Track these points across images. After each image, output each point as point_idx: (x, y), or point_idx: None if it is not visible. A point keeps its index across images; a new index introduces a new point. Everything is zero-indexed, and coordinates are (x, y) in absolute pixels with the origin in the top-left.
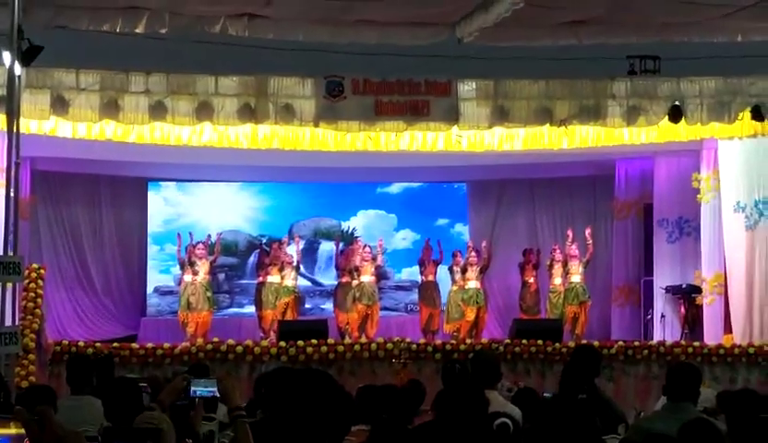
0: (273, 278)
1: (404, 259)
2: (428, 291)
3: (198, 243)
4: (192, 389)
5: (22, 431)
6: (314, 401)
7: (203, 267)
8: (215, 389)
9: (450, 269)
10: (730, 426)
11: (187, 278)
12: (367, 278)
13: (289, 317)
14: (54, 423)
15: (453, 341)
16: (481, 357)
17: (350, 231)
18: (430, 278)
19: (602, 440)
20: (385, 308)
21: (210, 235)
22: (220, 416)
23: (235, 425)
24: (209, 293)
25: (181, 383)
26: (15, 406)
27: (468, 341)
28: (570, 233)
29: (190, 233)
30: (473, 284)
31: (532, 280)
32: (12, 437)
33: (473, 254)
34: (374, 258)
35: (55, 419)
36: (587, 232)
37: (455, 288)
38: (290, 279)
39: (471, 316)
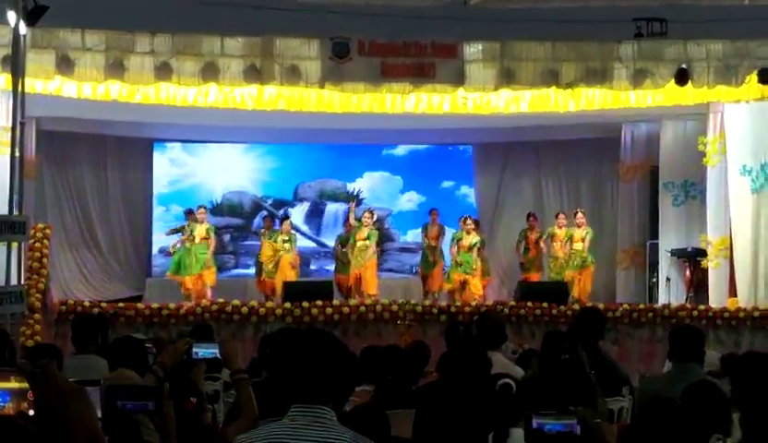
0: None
1: (410, 221)
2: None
3: (200, 207)
4: (194, 350)
5: (24, 385)
6: (317, 361)
7: (201, 232)
8: (217, 351)
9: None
10: (734, 389)
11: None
12: (362, 242)
13: (287, 277)
14: (56, 376)
15: (458, 304)
16: (485, 319)
17: (355, 192)
18: (433, 242)
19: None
20: (390, 270)
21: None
22: (225, 377)
23: (238, 387)
24: (203, 257)
25: (183, 346)
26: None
27: (473, 302)
28: (579, 214)
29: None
30: (465, 251)
31: (532, 245)
32: (13, 392)
33: (469, 222)
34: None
35: (58, 373)
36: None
37: (453, 251)
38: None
39: (456, 280)
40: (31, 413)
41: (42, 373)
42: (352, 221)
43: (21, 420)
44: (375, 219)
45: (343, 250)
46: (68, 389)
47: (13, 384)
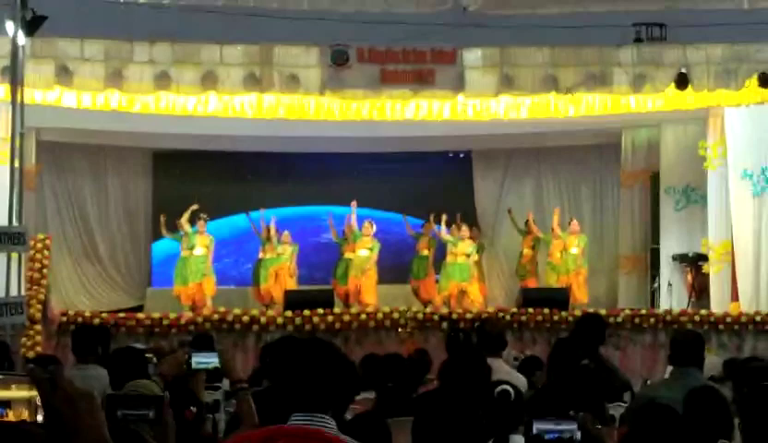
0: (269, 255)
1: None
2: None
3: (200, 217)
4: (194, 360)
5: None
6: (318, 370)
7: (201, 242)
8: (216, 360)
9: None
10: (737, 393)
11: (185, 253)
12: (364, 252)
13: (286, 286)
14: (65, 382)
15: (460, 311)
16: (486, 326)
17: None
18: (425, 252)
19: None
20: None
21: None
22: (225, 386)
23: (237, 396)
24: (203, 266)
25: (182, 356)
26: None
27: (474, 310)
28: (574, 222)
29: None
30: (461, 259)
31: (527, 250)
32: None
33: (464, 230)
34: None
35: (67, 378)
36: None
37: (449, 259)
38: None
39: (453, 289)
40: (39, 418)
41: (50, 378)
42: (353, 223)
43: (29, 426)
44: (375, 229)
45: (341, 257)
46: (77, 394)
47: (13, 393)
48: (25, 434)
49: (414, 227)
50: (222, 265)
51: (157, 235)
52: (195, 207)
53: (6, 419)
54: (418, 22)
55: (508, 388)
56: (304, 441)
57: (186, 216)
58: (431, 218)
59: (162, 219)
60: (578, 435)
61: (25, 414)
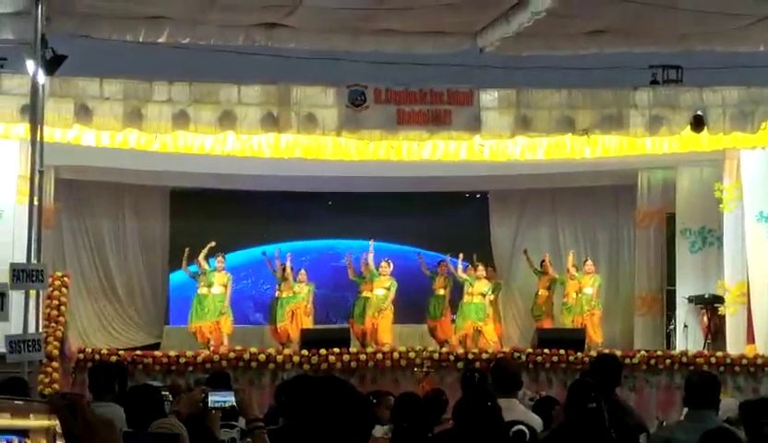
0: (286, 293)
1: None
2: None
3: (218, 255)
4: (210, 399)
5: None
6: (333, 408)
7: (219, 280)
8: (233, 399)
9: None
10: (749, 435)
11: (203, 290)
12: (381, 291)
13: (302, 325)
14: (86, 410)
15: (475, 350)
16: (500, 366)
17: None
18: (441, 292)
19: None
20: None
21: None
22: (241, 424)
23: (253, 435)
24: (220, 305)
25: (199, 394)
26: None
27: (490, 350)
28: (588, 262)
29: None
30: (477, 299)
31: (543, 290)
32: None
33: (480, 269)
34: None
35: (87, 407)
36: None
37: (465, 299)
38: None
39: (469, 329)
40: None
41: (71, 405)
42: (370, 262)
43: None
44: (392, 268)
45: (358, 296)
46: (97, 421)
47: (31, 421)
48: None
49: (428, 266)
50: (241, 287)
51: (174, 267)
52: (212, 244)
53: None
54: (435, 63)
55: (523, 428)
56: None
57: (203, 253)
58: (447, 258)
59: (186, 252)
60: None
61: None
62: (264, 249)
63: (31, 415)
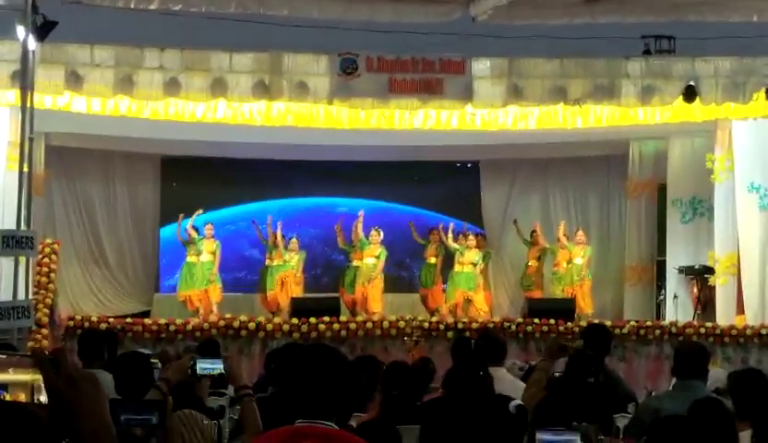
0: (276, 262)
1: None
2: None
3: (207, 222)
4: (199, 366)
5: (25, 377)
6: (322, 376)
7: (208, 247)
8: (221, 366)
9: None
10: (737, 405)
11: (192, 258)
12: (371, 260)
13: (292, 294)
14: (68, 363)
15: (465, 320)
16: (488, 335)
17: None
18: (432, 260)
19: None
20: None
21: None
22: (230, 392)
23: (242, 403)
24: (209, 273)
25: (187, 362)
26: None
27: (480, 319)
28: (580, 232)
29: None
30: (468, 268)
31: (533, 260)
32: (11, 383)
33: (471, 238)
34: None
35: (70, 360)
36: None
37: (456, 268)
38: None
39: (459, 298)
40: (43, 399)
41: (53, 359)
42: (359, 232)
43: (33, 407)
44: (381, 237)
45: (348, 265)
46: (80, 376)
47: (11, 376)
48: (28, 415)
49: (420, 233)
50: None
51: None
52: (200, 211)
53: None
54: (427, 32)
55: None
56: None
57: (191, 221)
58: (439, 226)
59: (180, 218)
60: None
61: (22, 397)
62: (253, 211)
63: (11, 370)
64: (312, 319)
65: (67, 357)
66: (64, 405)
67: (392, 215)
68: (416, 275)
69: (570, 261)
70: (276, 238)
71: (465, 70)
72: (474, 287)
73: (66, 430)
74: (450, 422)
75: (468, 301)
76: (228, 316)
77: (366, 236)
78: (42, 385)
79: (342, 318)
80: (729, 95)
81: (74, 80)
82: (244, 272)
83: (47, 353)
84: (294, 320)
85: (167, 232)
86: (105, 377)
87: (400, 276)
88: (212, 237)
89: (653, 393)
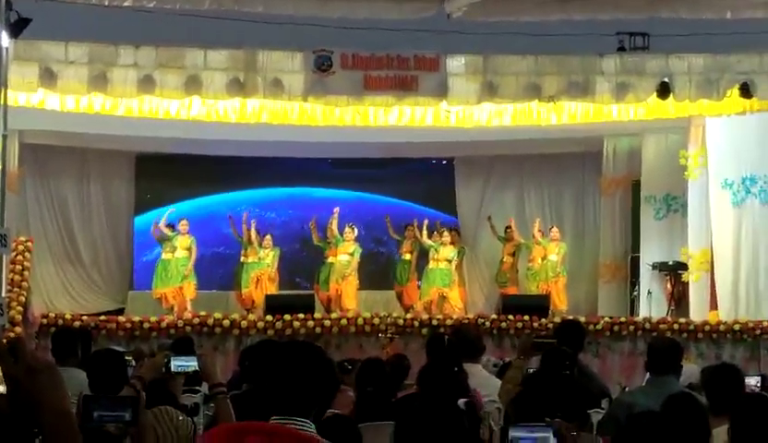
0: (251, 259)
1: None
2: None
3: (182, 218)
4: (172, 364)
5: None
6: (297, 373)
7: (182, 243)
8: (195, 364)
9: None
10: (710, 400)
11: (167, 255)
12: (344, 257)
13: (267, 291)
14: (27, 353)
15: (440, 316)
16: (462, 332)
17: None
18: (407, 257)
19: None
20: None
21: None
22: (204, 389)
23: (216, 401)
24: (183, 269)
25: (161, 359)
26: None
27: (455, 315)
28: (554, 229)
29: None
30: (443, 265)
31: (507, 257)
32: None
33: (446, 235)
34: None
35: (29, 350)
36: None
37: (431, 265)
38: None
39: (434, 295)
40: (1, 389)
41: (11, 348)
42: (334, 228)
43: None
44: (356, 234)
45: (324, 262)
46: (39, 365)
47: None
48: None
49: (395, 229)
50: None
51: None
52: (172, 209)
53: None
54: (402, 28)
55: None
56: (274, 438)
57: (164, 219)
58: (414, 222)
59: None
60: (553, 441)
61: None
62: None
63: None
64: (287, 316)
65: (26, 346)
66: (23, 395)
67: (369, 205)
68: (394, 252)
69: (544, 258)
70: (251, 235)
71: (440, 67)
72: (448, 283)
73: (28, 420)
74: (425, 418)
75: (443, 297)
76: (202, 313)
77: (341, 233)
78: (0, 375)
79: (317, 315)
80: (703, 92)
81: (48, 77)
82: (219, 269)
83: (5, 341)
84: (269, 317)
85: (141, 221)
86: (79, 375)
87: (378, 251)
88: (188, 233)
89: (626, 389)
